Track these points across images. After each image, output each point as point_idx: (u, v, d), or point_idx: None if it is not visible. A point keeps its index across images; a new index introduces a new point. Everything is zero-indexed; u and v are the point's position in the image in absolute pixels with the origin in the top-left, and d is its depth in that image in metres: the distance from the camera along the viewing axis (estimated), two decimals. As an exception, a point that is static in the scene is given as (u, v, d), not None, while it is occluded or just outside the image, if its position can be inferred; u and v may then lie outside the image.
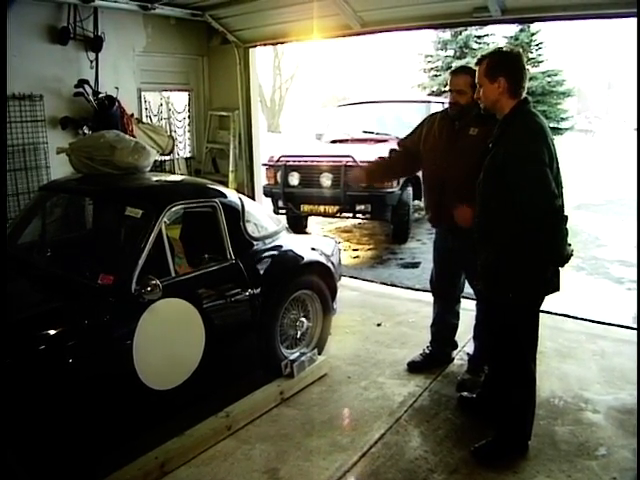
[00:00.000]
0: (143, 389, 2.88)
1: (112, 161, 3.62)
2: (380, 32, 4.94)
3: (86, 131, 5.07)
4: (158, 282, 2.88)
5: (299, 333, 3.95)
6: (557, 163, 2.69)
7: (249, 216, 3.73)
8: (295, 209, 7.54)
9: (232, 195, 3.64)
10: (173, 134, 6.08)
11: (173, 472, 2.96)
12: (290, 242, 4.06)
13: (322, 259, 4.06)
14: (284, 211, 7.70)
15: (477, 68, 2.83)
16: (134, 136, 5.24)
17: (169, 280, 3.08)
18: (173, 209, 3.16)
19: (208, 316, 3.18)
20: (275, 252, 3.84)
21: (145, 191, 3.39)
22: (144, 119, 5.74)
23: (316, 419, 3.40)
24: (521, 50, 2.83)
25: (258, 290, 3.50)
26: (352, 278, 6.01)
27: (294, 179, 7.46)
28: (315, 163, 7.31)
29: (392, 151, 3.94)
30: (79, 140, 3.80)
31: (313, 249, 4.12)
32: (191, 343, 3.13)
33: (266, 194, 7.78)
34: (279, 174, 7.48)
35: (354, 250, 7.72)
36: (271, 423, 3.38)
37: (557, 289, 2.81)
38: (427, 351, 4.00)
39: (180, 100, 6.21)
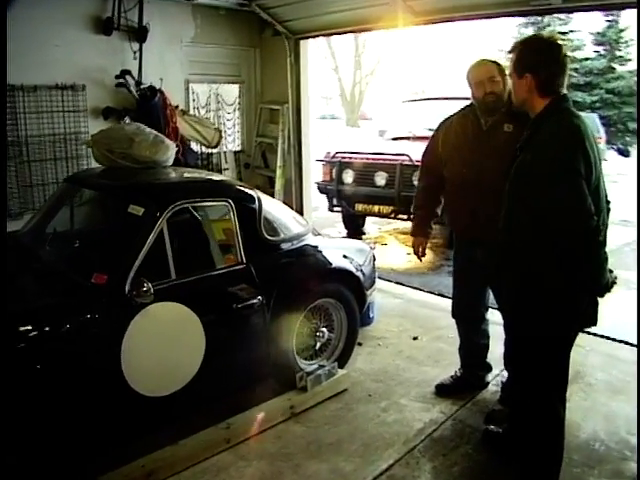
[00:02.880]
0: (132, 394, 2.78)
1: (130, 154, 3.57)
2: (432, 23, 4.61)
3: (128, 121, 5.08)
4: (150, 286, 2.76)
5: (319, 344, 3.74)
6: (598, 174, 2.29)
7: (268, 217, 3.56)
8: (349, 208, 7.31)
9: (248, 194, 3.48)
10: (221, 127, 6.01)
11: (159, 482, 2.85)
12: (316, 246, 3.86)
13: (350, 267, 3.83)
14: (339, 209, 7.50)
15: (510, 57, 2.49)
16: (177, 128, 5.24)
17: (168, 283, 2.97)
18: (177, 208, 3.03)
19: (210, 322, 3.03)
20: (296, 256, 3.65)
21: (149, 188, 3.29)
22: (191, 111, 5.71)
23: (323, 440, 3.19)
24: (559, 40, 2.40)
25: (271, 296, 3.33)
26: (398, 284, 5.73)
27: (348, 177, 7.23)
28: (370, 161, 7.05)
29: (421, 193, 3.61)
30: (101, 132, 3.76)
31: (345, 256, 3.89)
32: (189, 350, 3.00)
33: (320, 191, 7.63)
34: (334, 171, 7.30)
35: (408, 254, 7.38)
36: (274, 439, 3.20)
37: (593, 323, 2.45)
38: (458, 374, 3.68)
39: (230, 92, 6.13)
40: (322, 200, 8.05)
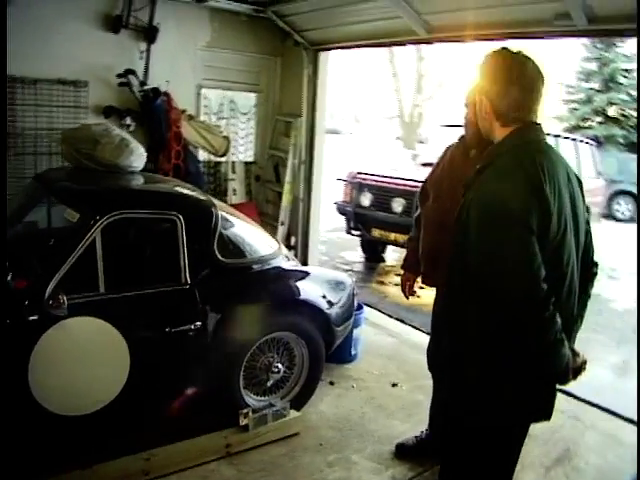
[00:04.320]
0: (37, 408, 2.65)
1: (94, 156, 3.47)
2: (449, 41, 4.33)
3: (129, 122, 5.03)
4: (65, 299, 2.62)
5: (271, 381, 3.51)
6: (563, 230, 1.88)
7: (227, 235, 3.38)
8: (366, 232, 7.04)
9: (203, 209, 3.29)
10: (233, 136, 5.88)
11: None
12: (283, 274, 3.63)
13: (317, 300, 3.59)
14: (357, 233, 7.24)
15: None
16: (180, 132, 5.15)
17: (95, 297, 2.82)
18: (115, 218, 2.88)
19: (137, 343, 2.87)
20: (254, 282, 3.45)
21: (88, 194, 3.15)
22: (201, 117, 5.61)
23: (250, 489, 2.95)
24: (529, 56, 1.95)
25: (214, 322, 3.13)
26: (398, 321, 5.41)
27: (366, 199, 6.99)
28: (388, 185, 6.78)
29: (416, 223, 3.31)
30: (70, 130, 3.70)
31: (318, 289, 3.66)
32: (109, 370, 2.86)
33: (339, 211, 7.40)
34: (353, 192, 7.05)
35: (420, 288, 6.99)
36: (198, 479, 2.98)
37: (545, 416, 2.05)
38: (423, 435, 3.34)
39: (246, 101, 5.99)
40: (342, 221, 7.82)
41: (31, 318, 2.64)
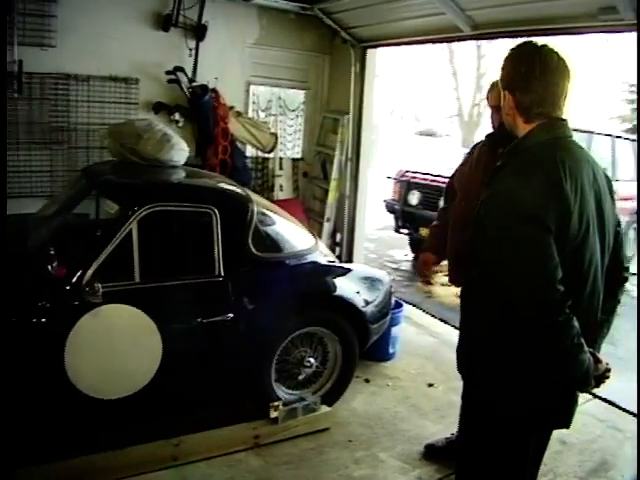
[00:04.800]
0: (73, 390, 2.78)
1: (137, 150, 3.60)
2: (493, 37, 4.26)
3: (177, 118, 5.19)
4: (99, 286, 2.75)
5: (303, 375, 3.55)
6: (584, 231, 1.82)
7: (263, 229, 3.45)
8: (413, 231, 6.99)
9: (239, 204, 3.37)
10: (281, 132, 5.97)
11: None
12: (319, 269, 3.67)
13: (352, 297, 3.60)
14: (405, 231, 7.20)
15: None
16: (227, 128, 5.26)
17: (130, 286, 2.94)
18: (151, 210, 2.99)
19: (170, 332, 2.97)
20: (288, 276, 3.49)
21: (126, 187, 3.27)
22: (250, 114, 5.71)
23: (274, 480, 3.00)
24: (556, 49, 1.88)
25: (246, 315, 3.20)
26: (441, 321, 5.35)
27: (414, 198, 6.96)
28: (435, 183, 6.70)
29: (441, 211, 3.32)
30: (115, 125, 3.85)
31: (354, 286, 3.68)
32: (141, 357, 2.96)
33: (388, 210, 7.38)
34: (402, 190, 7.01)
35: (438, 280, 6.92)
36: (225, 467, 3.09)
37: (564, 423, 2.01)
38: (453, 437, 3.30)
39: (294, 98, 6.06)
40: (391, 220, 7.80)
41: (69, 304, 2.77)
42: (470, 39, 4.41)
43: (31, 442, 2.81)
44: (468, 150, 3.19)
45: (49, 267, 2.86)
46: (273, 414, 3.33)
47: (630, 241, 6.83)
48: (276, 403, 3.35)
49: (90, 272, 2.81)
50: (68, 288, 2.79)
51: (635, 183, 6.55)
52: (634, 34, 3.26)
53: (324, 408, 3.52)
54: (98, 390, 2.86)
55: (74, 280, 2.80)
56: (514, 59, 1.95)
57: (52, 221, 3.41)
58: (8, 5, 3.71)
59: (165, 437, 3.08)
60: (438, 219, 3.30)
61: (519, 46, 1.96)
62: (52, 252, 2.90)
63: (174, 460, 3.03)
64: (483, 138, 3.09)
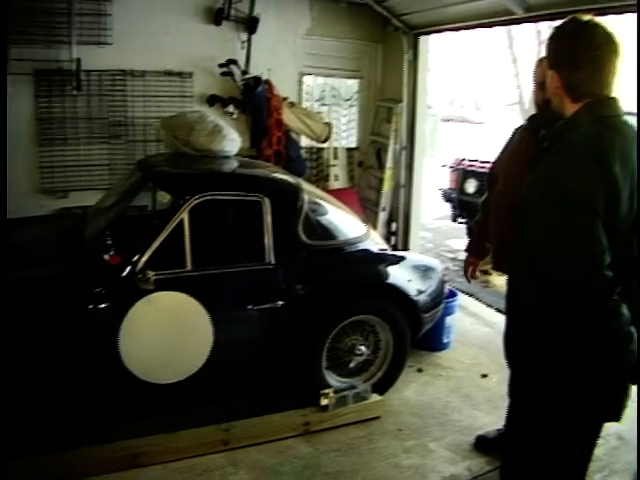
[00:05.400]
0: (127, 374, 2.87)
1: (190, 142, 3.67)
2: (548, 19, 4.07)
3: (232, 110, 5.27)
4: (152, 274, 2.83)
5: (353, 363, 3.54)
6: (637, 211, 1.75)
7: (313, 218, 3.48)
8: (470, 221, 6.83)
9: (289, 192, 3.40)
10: (335, 122, 5.97)
11: (143, 467, 2.92)
12: (370, 257, 3.66)
13: (404, 287, 3.55)
14: (462, 221, 7.07)
15: None
16: (281, 119, 5.29)
17: (182, 273, 3.02)
18: (203, 199, 3.05)
19: (221, 319, 3.03)
20: (339, 264, 3.51)
21: (178, 177, 3.34)
22: (303, 104, 5.73)
23: (323, 467, 3.03)
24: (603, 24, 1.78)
25: (297, 303, 3.23)
26: (497, 311, 5.23)
27: (470, 186, 6.82)
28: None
29: (483, 206, 3.25)
30: (168, 117, 3.93)
31: (406, 274, 3.65)
32: (193, 343, 3.03)
33: (445, 199, 7.26)
34: (458, 179, 6.90)
35: (483, 272, 6.67)
36: (274, 453, 3.12)
37: (613, 416, 1.90)
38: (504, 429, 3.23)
39: (348, 87, 6.05)
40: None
41: (123, 291, 2.87)
42: (524, 22, 4.26)
43: (86, 424, 2.96)
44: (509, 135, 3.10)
45: (105, 256, 2.98)
46: (323, 402, 3.33)
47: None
48: (326, 391, 3.35)
49: (143, 260, 2.90)
50: (122, 276, 2.88)
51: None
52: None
53: (375, 396, 3.50)
54: (151, 374, 2.95)
55: (128, 268, 2.89)
56: (559, 36, 1.87)
57: (109, 212, 3.53)
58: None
59: (216, 422, 3.15)
60: (481, 217, 3.25)
61: (564, 22, 1.87)
62: (108, 241, 3.01)
63: (225, 445, 3.09)
64: (524, 122, 3.01)
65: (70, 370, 2.80)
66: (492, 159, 6.73)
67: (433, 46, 5.88)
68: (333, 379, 3.51)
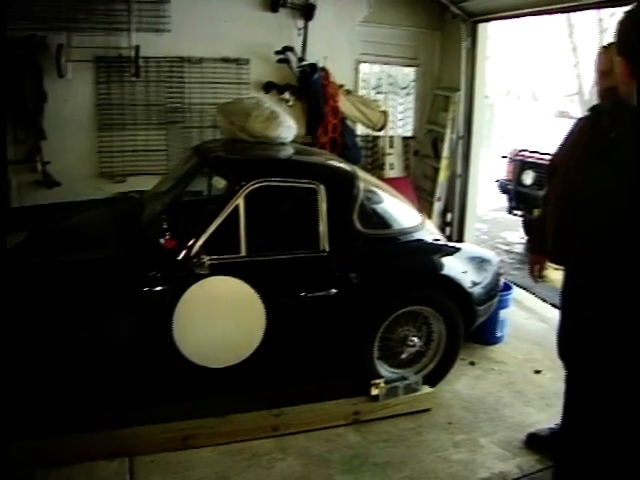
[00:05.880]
0: (180, 358, 2.90)
1: (246, 128, 3.67)
2: (611, 5, 3.86)
3: (287, 97, 5.26)
4: (207, 258, 2.84)
5: (405, 354, 3.49)
6: None
7: (369, 206, 3.44)
8: (527, 213, 6.65)
9: (345, 180, 3.37)
10: (391, 110, 5.88)
11: (194, 449, 2.97)
12: (425, 246, 3.60)
13: (458, 278, 3.48)
14: (518, 213, 6.89)
15: None
16: (337, 107, 5.26)
17: (236, 259, 3.03)
18: (258, 185, 3.05)
19: (274, 305, 3.03)
20: (393, 254, 3.47)
21: (233, 163, 3.34)
22: (360, 92, 5.68)
23: (372, 457, 3.00)
24: None
25: (351, 291, 3.21)
26: (552, 306, 5.06)
27: (528, 178, 6.61)
28: (552, 162, 6.26)
29: (545, 201, 3.10)
30: (226, 103, 3.94)
31: (461, 265, 3.58)
32: (245, 328, 3.04)
33: (501, 190, 7.09)
34: (516, 170, 6.71)
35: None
36: (323, 441, 3.11)
37: None
38: (557, 428, 3.11)
39: (404, 75, 5.95)
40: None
41: (178, 274, 2.89)
42: (585, 9, 4.09)
43: (138, 404, 3.04)
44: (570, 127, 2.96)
45: (161, 239, 3.01)
46: (374, 391, 3.30)
47: None
48: (377, 381, 3.31)
49: (198, 244, 2.92)
50: (178, 259, 2.91)
51: None
52: None
53: (426, 388, 3.45)
54: (204, 358, 2.97)
55: (183, 252, 2.91)
56: (628, 22, 1.82)
57: (165, 197, 3.57)
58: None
59: (266, 408, 3.16)
60: (543, 209, 3.10)
61: (634, 8, 1.80)
62: (164, 225, 3.04)
63: (274, 430, 3.11)
64: (586, 112, 2.87)
65: (123, 351, 2.83)
66: (552, 151, 6.54)
67: (492, 34, 5.73)
68: (384, 369, 3.47)
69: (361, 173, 3.71)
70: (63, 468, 2.73)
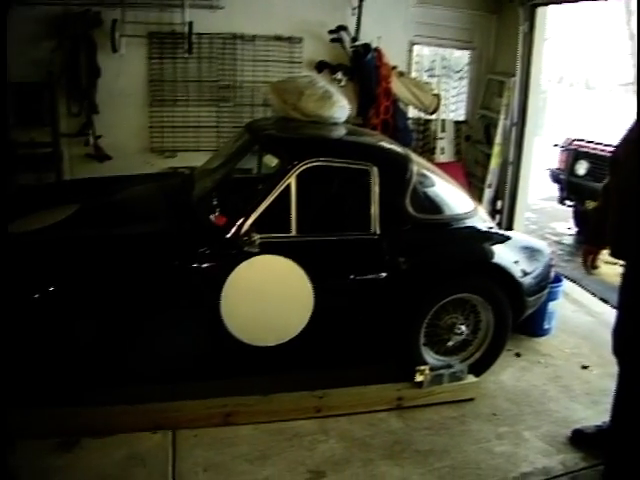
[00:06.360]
0: (226, 335, 2.91)
1: (299, 106, 3.63)
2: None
3: (340, 77, 5.19)
4: (257, 236, 2.83)
5: (452, 342, 3.43)
6: None
7: (421, 190, 3.37)
8: (579, 204, 6.46)
9: (399, 163, 3.31)
10: (444, 94, 5.76)
11: (235, 426, 2.98)
12: (477, 234, 3.52)
13: (509, 267, 3.38)
14: (569, 203, 6.69)
15: None
16: (389, 88, 5.17)
17: (287, 238, 3.01)
18: (310, 165, 3.02)
19: (322, 286, 3.00)
20: (444, 240, 3.41)
21: (286, 141, 3.30)
22: (412, 74, 5.57)
23: (414, 444, 2.96)
24: None
25: (400, 276, 3.16)
26: (601, 300, 4.93)
27: (581, 168, 6.41)
28: (606, 153, 6.00)
29: (604, 192, 2.97)
30: (278, 81, 3.89)
31: (512, 254, 3.49)
32: (293, 308, 3.03)
33: (553, 179, 6.90)
34: (569, 160, 6.51)
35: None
36: (365, 425, 3.09)
37: None
38: (605, 426, 3.00)
39: (458, 58, 5.81)
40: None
41: (227, 252, 2.89)
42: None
43: (184, 379, 3.05)
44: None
45: (211, 216, 3.00)
46: (418, 378, 3.25)
47: None
48: (422, 367, 3.26)
49: (249, 222, 2.92)
50: (227, 237, 2.91)
51: None
52: None
53: (471, 377, 3.38)
54: (251, 336, 2.98)
55: (233, 229, 2.91)
56: None
57: (215, 173, 3.57)
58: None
59: (310, 389, 3.15)
60: (602, 204, 2.98)
61: None
62: (214, 202, 3.03)
63: (317, 412, 3.09)
64: None
65: (170, 325, 2.84)
66: (608, 141, 6.32)
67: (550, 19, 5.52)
68: (430, 356, 3.42)
69: (414, 156, 3.64)
70: (107, 437, 2.78)
